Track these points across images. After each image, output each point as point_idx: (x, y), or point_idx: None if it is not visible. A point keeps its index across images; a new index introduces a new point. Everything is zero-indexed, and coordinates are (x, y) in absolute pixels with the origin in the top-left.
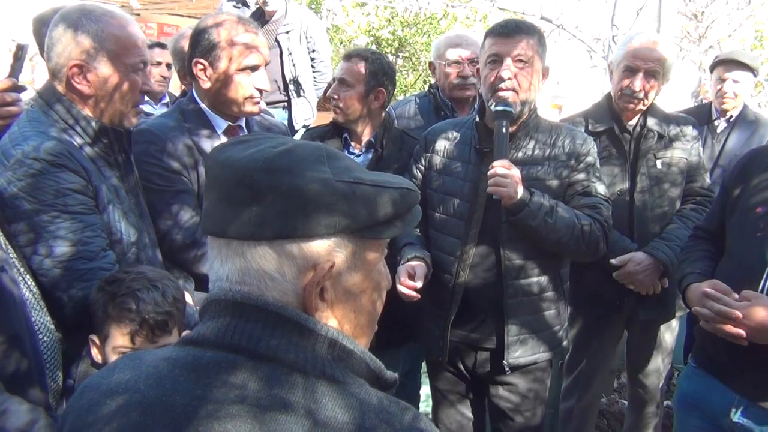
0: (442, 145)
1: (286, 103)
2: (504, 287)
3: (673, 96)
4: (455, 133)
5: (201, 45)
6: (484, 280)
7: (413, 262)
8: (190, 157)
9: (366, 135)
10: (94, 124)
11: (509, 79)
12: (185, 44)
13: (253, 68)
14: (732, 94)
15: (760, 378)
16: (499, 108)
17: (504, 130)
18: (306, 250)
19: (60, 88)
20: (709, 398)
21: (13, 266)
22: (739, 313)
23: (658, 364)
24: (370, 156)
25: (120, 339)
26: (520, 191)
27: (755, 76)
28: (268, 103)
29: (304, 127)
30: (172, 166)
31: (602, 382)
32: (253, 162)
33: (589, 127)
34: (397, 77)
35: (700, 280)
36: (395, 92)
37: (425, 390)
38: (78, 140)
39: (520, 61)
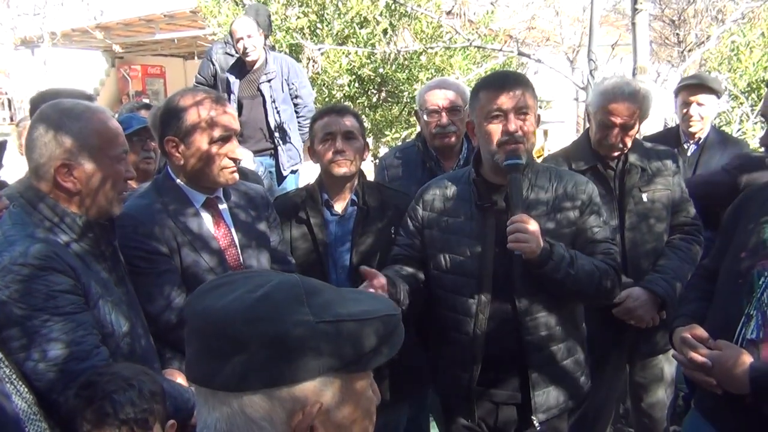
0: (439, 202)
1: (272, 151)
2: (524, 341)
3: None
4: (451, 190)
5: (171, 123)
6: (503, 336)
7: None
8: (173, 240)
9: (349, 191)
10: (79, 220)
11: (516, 132)
12: None
13: (225, 139)
14: (698, 116)
15: (740, 424)
16: (511, 162)
17: (518, 183)
18: (293, 394)
19: (43, 186)
20: None
21: (4, 381)
22: (708, 362)
23: (662, 396)
24: (354, 214)
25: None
26: (542, 244)
27: (719, 98)
28: (254, 152)
29: (292, 172)
30: (155, 248)
31: (608, 419)
32: (231, 313)
33: (573, 166)
34: (382, 111)
35: (688, 323)
36: (384, 128)
37: None
38: (64, 238)
39: (522, 113)
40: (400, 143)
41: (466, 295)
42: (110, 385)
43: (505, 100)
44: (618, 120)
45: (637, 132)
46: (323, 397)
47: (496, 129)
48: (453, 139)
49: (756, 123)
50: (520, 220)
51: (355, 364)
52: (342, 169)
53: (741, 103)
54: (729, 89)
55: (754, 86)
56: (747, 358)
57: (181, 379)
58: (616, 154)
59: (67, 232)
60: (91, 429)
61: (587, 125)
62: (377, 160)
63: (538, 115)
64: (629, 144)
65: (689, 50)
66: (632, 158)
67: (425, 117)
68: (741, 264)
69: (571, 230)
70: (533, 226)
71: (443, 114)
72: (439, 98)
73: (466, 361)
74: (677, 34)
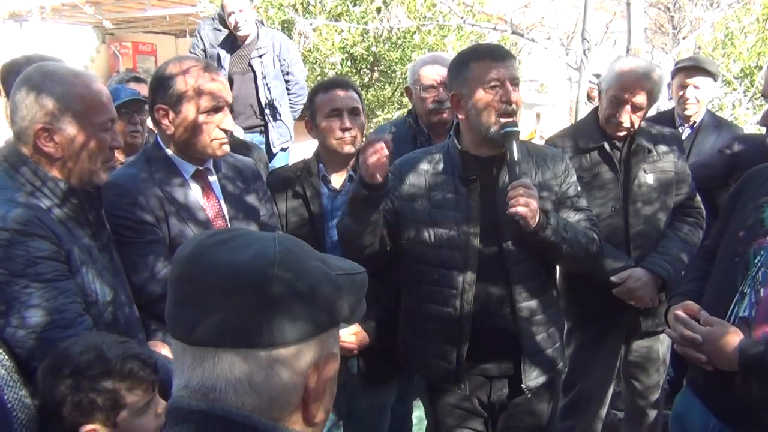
0: (420, 176)
1: (262, 128)
2: (515, 312)
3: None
4: (433, 163)
5: (162, 91)
6: (493, 310)
7: None
8: (160, 210)
9: (348, 167)
10: (62, 185)
11: (515, 102)
12: None
13: (217, 110)
14: (694, 99)
15: (732, 403)
16: (509, 129)
17: (518, 149)
18: (277, 356)
19: (25, 150)
20: (693, 418)
21: None
22: (699, 338)
23: (658, 378)
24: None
25: (139, 399)
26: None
27: (715, 81)
28: (244, 128)
29: (282, 150)
30: (141, 217)
31: (603, 399)
32: (264, 266)
33: (580, 145)
34: (374, 91)
35: (683, 301)
36: (375, 108)
37: (417, 413)
38: (46, 202)
39: (515, 83)
40: None
41: (452, 269)
42: (119, 348)
43: (503, 71)
44: (631, 97)
45: (646, 114)
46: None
47: (494, 99)
48: (449, 115)
49: (748, 108)
50: (521, 185)
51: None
52: (349, 147)
53: (734, 89)
54: (722, 74)
55: (747, 71)
56: (737, 335)
57: (165, 351)
58: (623, 133)
59: (49, 197)
60: (125, 393)
61: (580, 108)
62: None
63: None
64: (637, 124)
65: (684, 37)
66: (639, 140)
67: (421, 93)
68: (738, 243)
69: (553, 202)
70: (534, 191)
71: (440, 89)
72: (436, 73)
73: (454, 336)
74: (672, 18)
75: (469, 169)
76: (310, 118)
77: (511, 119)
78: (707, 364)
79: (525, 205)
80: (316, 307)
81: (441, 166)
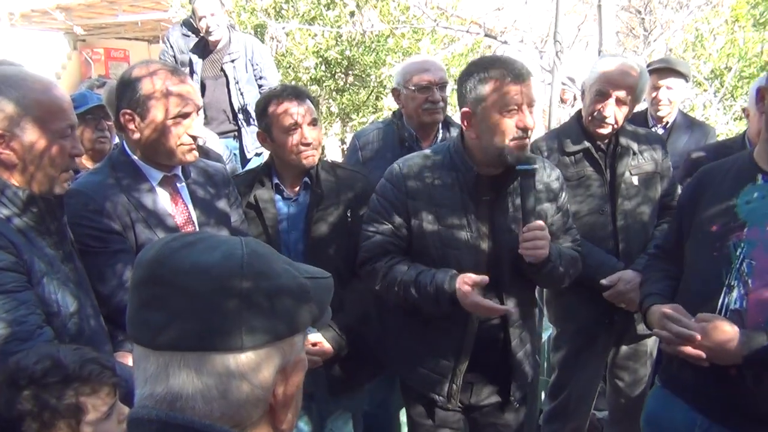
0: (426, 189)
1: (236, 133)
2: (508, 332)
3: None
4: (438, 176)
5: (128, 95)
6: (491, 327)
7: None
8: (127, 217)
9: (303, 175)
10: (21, 193)
11: (531, 128)
12: None
13: (185, 115)
14: (667, 101)
15: (725, 399)
16: (524, 167)
17: (531, 190)
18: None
19: None
20: (673, 419)
21: None
22: (698, 335)
23: (645, 370)
24: (307, 198)
25: (102, 404)
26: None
27: (687, 82)
28: (218, 134)
29: (256, 155)
30: (108, 226)
31: (591, 402)
32: (233, 268)
33: (565, 148)
34: (348, 95)
35: (661, 302)
36: (350, 112)
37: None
38: (5, 212)
39: (531, 106)
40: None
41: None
42: (72, 356)
43: (524, 93)
44: (614, 91)
45: (629, 115)
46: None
47: (510, 123)
48: (441, 115)
49: (719, 109)
50: (537, 228)
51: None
52: (313, 161)
53: (704, 90)
54: (693, 76)
55: (717, 73)
56: (734, 329)
57: (130, 360)
58: (606, 131)
59: (8, 206)
60: (85, 399)
61: (553, 110)
62: (352, 139)
63: None
64: (620, 122)
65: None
66: (623, 141)
67: (416, 93)
68: (713, 238)
69: (551, 221)
70: (546, 232)
71: (434, 90)
72: (431, 74)
73: (455, 350)
74: (643, 21)
75: (481, 188)
76: (264, 130)
77: (523, 147)
78: (704, 360)
79: (540, 248)
80: (284, 309)
81: (449, 181)
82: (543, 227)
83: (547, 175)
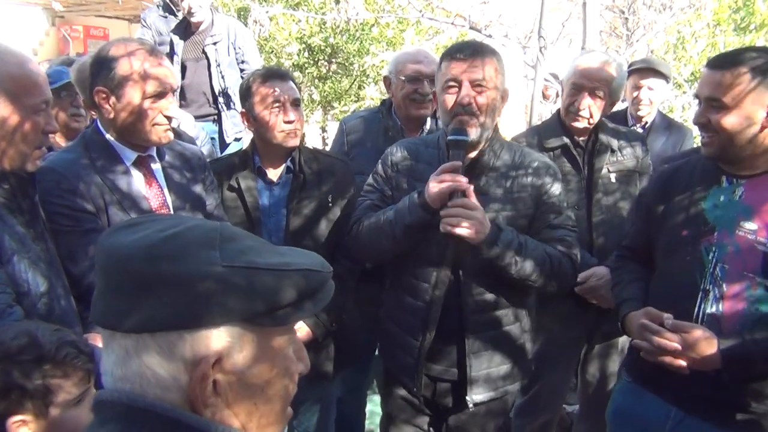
0: (407, 165)
1: (216, 116)
2: (465, 321)
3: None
4: (421, 154)
5: (103, 73)
6: (449, 312)
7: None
8: (100, 198)
9: (285, 158)
10: None
11: (468, 104)
12: None
13: (162, 95)
14: (647, 101)
15: (698, 391)
16: (454, 138)
17: (460, 161)
18: (191, 343)
19: None
20: (644, 412)
21: None
22: (678, 346)
23: (616, 368)
24: (289, 182)
25: (74, 389)
26: (486, 229)
27: (667, 82)
28: (197, 117)
29: (235, 140)
30: (80, 205)
31: (563, 399)
32: (135, 250)
33: (544, 144)
34: (331, 83)
35: (637, 308)
36: (332, 100)
37: (369, 407)
38: None
39: (479, 85)
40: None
41: (427, 262)
42: (47, 337)
43: (461, 70)
44: (589, 84)
45: (608, 111)
46: (231, 351)
47: (450, 99)
48: (428, 110)
49: None
50: (460, 204)
51: (269, 317)
52: (294, 140)
53: (684, 92)
54: (673, 77)
55: (698, 75)
56: (712, 336)
57: (99, 342)
58: (582, 125)
59: None
60: (58, 382)
61: (535, 106)
62: (340, 124)
63: (506, 90)
64: (596, 117)
65: (637, 41)
66: (602, 138)
67: (405, 83)
68: (685, 242)
69: (529, 213)
70: (475, 210)
71: (425, 82)
72: (423, 66)
73: (418, 329)
74: (626, 21)
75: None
76: (247, 109)
77: (462, 122)
78: (685, 368)
79: (463, 224)
80: (258, 291)
81: (428, 158)
82: (472, 206)
83: (536, 166)
